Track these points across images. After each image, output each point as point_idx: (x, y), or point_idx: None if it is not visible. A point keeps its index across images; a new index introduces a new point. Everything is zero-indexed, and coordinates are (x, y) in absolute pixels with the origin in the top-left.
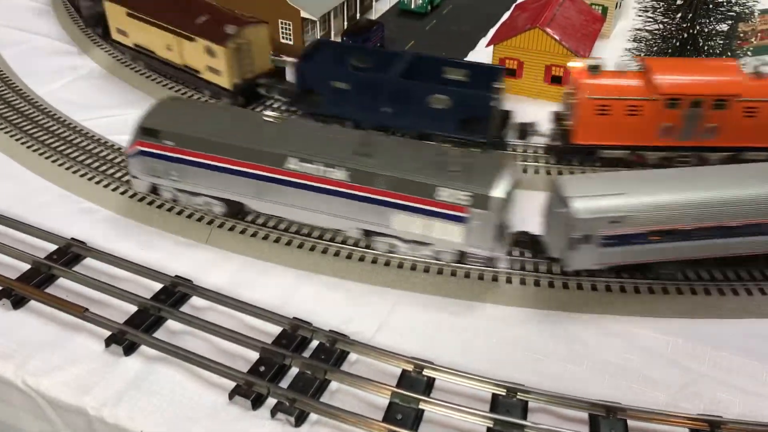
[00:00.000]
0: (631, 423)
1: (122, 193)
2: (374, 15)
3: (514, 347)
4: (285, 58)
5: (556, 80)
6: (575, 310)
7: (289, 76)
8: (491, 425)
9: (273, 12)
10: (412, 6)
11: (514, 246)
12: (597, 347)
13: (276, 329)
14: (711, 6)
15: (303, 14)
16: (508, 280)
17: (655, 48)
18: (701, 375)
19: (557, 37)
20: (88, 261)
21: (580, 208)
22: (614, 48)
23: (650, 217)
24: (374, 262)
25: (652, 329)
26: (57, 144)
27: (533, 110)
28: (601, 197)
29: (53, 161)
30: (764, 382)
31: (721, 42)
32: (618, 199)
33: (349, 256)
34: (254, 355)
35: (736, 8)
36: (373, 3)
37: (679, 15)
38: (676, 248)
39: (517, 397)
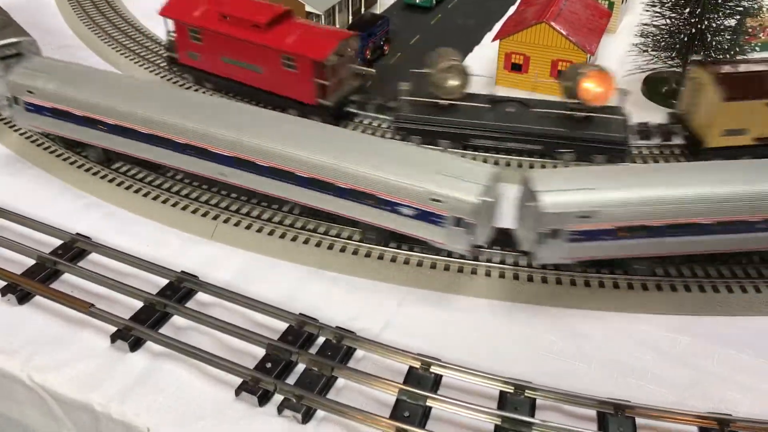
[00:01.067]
0: (639, 421)
1: (127, 188)
2: (379, 9)
3: (520, 344)
4: None
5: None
6: (581, 306)
7: None
8: (499, 422)
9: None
10: (417, 0)
11: None
12: (604, 344)
13: (282, 325)
14: (719, 1)
15: (307, 8)
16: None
17: (663, 43)
18: (709, 373)
19: (564, 32)
20: (94, 256)
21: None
22: (621, 43)
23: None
24: (380, 258)
25: (660, 327)
26: None
27: None
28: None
29: (57, 155)
30: None
31: (729, 37)
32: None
33: (355, 252)
34: (261, 352)
35: (744, 3)
36: None
37: (687, 10)
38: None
39: (525, 394)
